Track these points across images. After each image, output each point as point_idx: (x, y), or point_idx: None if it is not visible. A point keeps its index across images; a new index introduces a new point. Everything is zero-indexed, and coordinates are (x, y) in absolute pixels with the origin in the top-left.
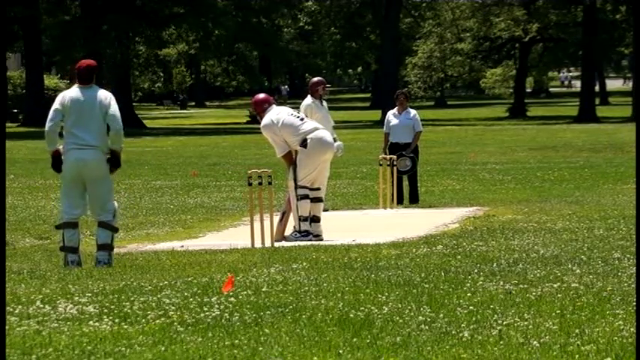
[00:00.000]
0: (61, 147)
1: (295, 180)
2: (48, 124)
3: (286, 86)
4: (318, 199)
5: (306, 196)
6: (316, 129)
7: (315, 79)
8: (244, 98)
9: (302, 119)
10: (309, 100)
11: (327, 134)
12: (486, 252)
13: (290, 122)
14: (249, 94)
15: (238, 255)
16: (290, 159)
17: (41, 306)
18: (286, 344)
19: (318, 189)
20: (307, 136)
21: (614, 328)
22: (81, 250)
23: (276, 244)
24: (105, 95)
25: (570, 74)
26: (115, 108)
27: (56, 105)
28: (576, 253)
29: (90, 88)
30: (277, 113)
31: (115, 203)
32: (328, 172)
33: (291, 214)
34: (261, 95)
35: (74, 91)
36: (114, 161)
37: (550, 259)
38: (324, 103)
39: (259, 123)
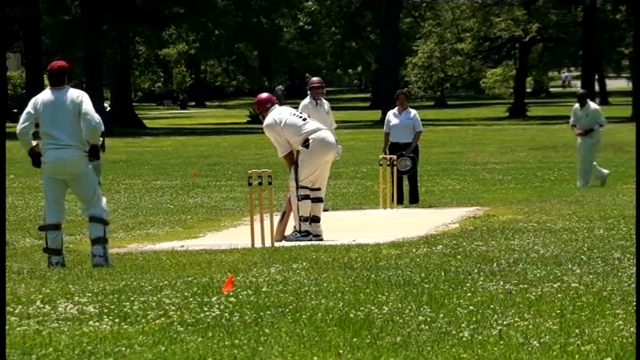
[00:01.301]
0: (34, 143)
1: (296, 180)
2: (19, 127)
3: (281, 86)
4: (318, 200)
5: (307, 197)
6: (318, 129)
7: (315, 79)
8: (244, 98)
9: (304, 119)
10: (306, 100)
11: (329, 135)
12: (486, 252)
13: (292, 122)
14: (249, 94)
15: (238, 255)
16: (291, 159)
17: (41, 306)
18: (286, 344)
19: (319, 189)
20: (309, 137)
21: (614, 328)
22: (81, 250)
23: (276, 244)
24: (77, 94)
25: (569, 74)
26: (87, 106)
27: (28, 108)
28: (576, 253)
29: (61, 89)
30: (280, 113)
31: (103, 197)
32: (329, 172)
33: (292, 214)
34: (264, 95)
35: (46, 94)
36: (93, 153)
37: (550, 259)
38: (326, 104)
39: (261, 122)
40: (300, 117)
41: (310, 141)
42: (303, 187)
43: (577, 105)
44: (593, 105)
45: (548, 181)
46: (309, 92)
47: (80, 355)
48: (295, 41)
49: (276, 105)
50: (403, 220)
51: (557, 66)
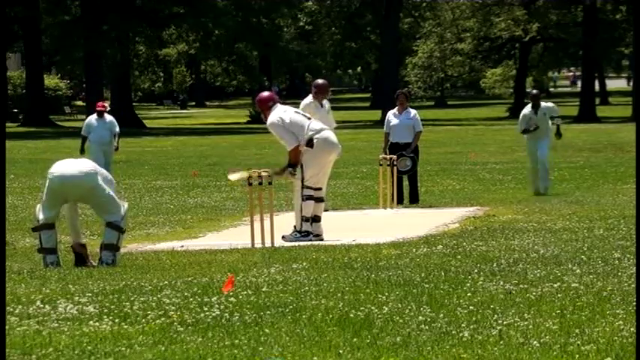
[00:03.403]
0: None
1: (302, 180)
2: None
3: (276, 87)
4: (320, 199)
5: (310, 197)
6: (322, 129)
7: (321, 82)
8: (244, 98)
9: (309, 118)
10: (309, 99)
11: (332, 134)
12: (486, 252)
13: (298, 120)
14: (249, 94)
15: (238, 255)
16: (296, 155)
17: (41, 306)
18: (286, 344)
19: (320, 189)
20: (314, 137)
21: (614, 328)
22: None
23: (277, 244)
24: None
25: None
26: None
27: None
28: (576, 253)
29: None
30: (284, 111)
31: (125, 205)
32: (330, 172)
33: (294, 213)
34: (266, 93)
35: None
36: None
37: (550, 259)
38: (327, 104)
39: (262, 122)
40: (305, 116)
41: (315, 141)
42: (307, 187)
43: (529, 110)
44: (545, 103)
45: (548, 180)
46: (313, 92)
47: (80, 355)
48: (295, 41)
49: (278, 104)
50: (403, 220)
51: (558, 66)
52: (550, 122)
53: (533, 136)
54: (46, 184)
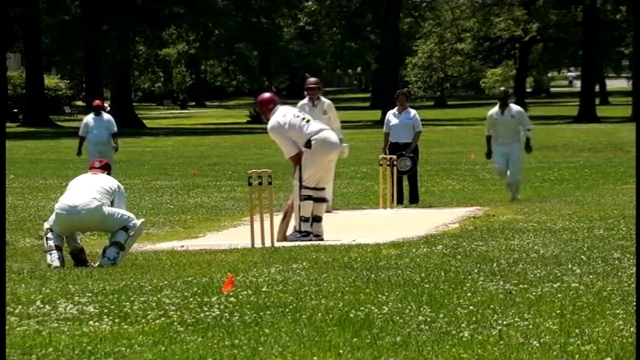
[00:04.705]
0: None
1: (300, 180)
2: None
3: (273, 87)
4: (321, 199)
5: (309, 197)
6: (321, 130)
7: (310, 79)
8: (244, 98)
9: (307, 120)
10: (304, 101)
11: (331, 134)
12: (486, 252)
13: (296, 124)
14: (249, 94)
15: (238, 255)
16: (298, 160)
17: (41, 306)
18: (286, 344)
19: (323, 189)
20: (312, 137)
21: (614, 328)
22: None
23: (277, 244)
24: None
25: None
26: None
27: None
28: (576, 253)
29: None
30: (283, 115)
31: (139, 222)
32: (334, 172)
33: (293, 214)
34: (267, 95)
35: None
36: None
37: (550, 259)
38: (327, 104)
39: (261, 122)
40: (303, 118)
41: (313, 142)
42: (305, 187)
43: (495, 110)
44: (515, 106)
45: (548, 181)
46: (305, 92)
47: (80, 355)
48: (295, 41)
49: (279, 105)
50: (403, 220)
51: (558, 66)
52: (521, 131)
53: (500, 140)
54: (54, 216)
